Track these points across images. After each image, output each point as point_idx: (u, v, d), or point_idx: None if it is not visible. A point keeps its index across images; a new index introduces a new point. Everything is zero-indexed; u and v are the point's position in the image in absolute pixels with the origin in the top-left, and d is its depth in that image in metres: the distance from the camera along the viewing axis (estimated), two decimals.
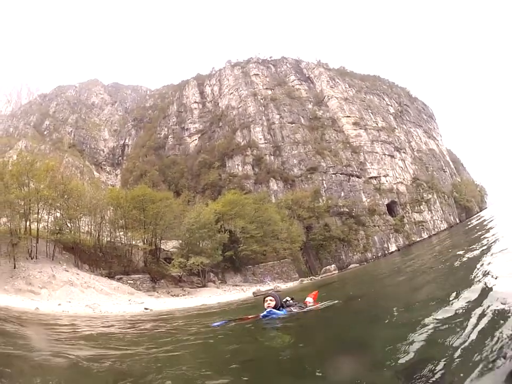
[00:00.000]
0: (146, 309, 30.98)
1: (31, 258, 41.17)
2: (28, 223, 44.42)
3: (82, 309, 29.64)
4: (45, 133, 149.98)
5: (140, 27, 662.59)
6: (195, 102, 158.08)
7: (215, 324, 10.79)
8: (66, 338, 11.99)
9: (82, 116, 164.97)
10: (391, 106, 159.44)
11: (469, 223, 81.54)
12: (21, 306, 26.67)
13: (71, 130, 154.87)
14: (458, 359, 4.12)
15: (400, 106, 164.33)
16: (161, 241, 58.06)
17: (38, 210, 45.02)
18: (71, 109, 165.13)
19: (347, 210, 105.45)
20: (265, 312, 9.37)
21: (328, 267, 67.41)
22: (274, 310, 9.35)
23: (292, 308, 9.87)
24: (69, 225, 49.21)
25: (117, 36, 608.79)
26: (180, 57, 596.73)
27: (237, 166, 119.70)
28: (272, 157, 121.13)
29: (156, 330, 15.29)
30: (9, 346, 8.32)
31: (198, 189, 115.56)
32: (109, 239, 54.05)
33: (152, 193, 58.27)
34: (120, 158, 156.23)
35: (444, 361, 4.16)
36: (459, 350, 4.34)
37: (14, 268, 37.68)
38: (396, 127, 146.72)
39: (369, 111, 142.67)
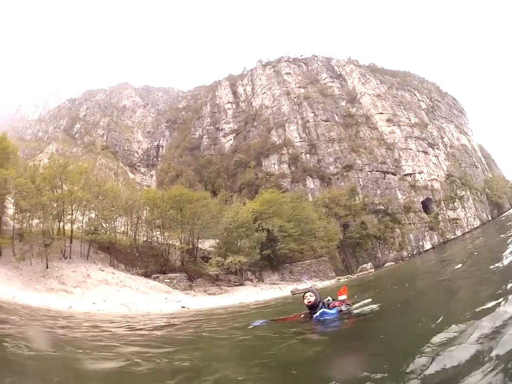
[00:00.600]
0: (183, 307, 30.91)
1: (65, 258, 41.70)
2: (61, 224, 45.02)
3: (118, 307, 29.88)
4: (76, 136, 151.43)
5: (170, 29, 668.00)
6: (228, 102, 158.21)
7: (254, 323, 10.35)
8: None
9: (114, 118, 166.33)
10: (423, 101, 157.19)
11: (502, 219, 79.84)
12: (53, 306, 26.95)
13: (103, 133, 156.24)
14: None
15: (431, 102, 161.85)
16: (199, 240, 58.08)
17: (72, 211, 45.39)
18: (102, 112, 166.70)
19: (383, 208, 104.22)
20: (317, 314, 8.74)
21: (364, 265, 66.59)
22: (327, 311, 8.80)
23: (341, 307, 9.14)
24: (104, 225, 49.51)
25: (147, 39, 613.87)
26: (211, 58, 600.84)
27: (273, 165, 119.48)
28: (308, 155, 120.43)
29: (193, 329, 15.02)
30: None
31: (235, 188, 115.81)
32: (145, 238, 54.59)
33: (189, 193, 58.47)
34: (154, 159, 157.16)
35: None
36: None
37: (47, 268, 38.17)
38: (428, 122, 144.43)
39: (402, 107, 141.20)
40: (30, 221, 43.86)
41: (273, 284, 53.96)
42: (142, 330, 15.76)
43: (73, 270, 38.89)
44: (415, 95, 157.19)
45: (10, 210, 45.29)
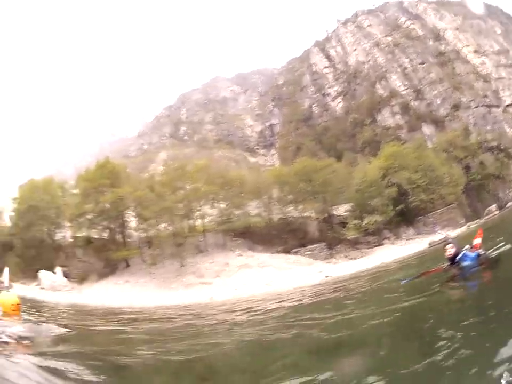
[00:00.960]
0: (326, 276, 31.85)
1: (200, 252, 43.71)
2: (191, 222, 47.47)
3: (261, 288, 31.28)
4: (185, 138, 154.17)
5: (243, 11, 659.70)
6: (325, 67, 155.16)
7: (403, 280, 10.96)
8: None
9: (218, 111, 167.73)
10: (496, 27, 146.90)
11: None
12: (193, 301, 28.92)
13: (212, 128, 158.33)
14: None
15: (503, 26, 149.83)
16: (332, 207, 57.68)
17: (200, 207, 47.43)
18: (203, 109, 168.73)
19: (495, 144, 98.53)
20: (460, 256, 8.97)
21: (489, 208, 63.93)
22: (467, 253, 9.06)
23: (479, 251, 9.21)
24: (236, 212, 51.05)
25: (227, 29, 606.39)
26: (293, 29, 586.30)
27: (386, 118, 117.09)
28: (416, 102, 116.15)
29: (340, 295, 15.84)
30: None
31: (356, 149, 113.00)
32: (280, 216, 54.86)
33: (314, 163, 58.41)
34: (271, 138, 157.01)
35: None
36: None
37: (181, 266, 40.42)
38: (509, 48, 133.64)
39: (482, 36, 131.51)
40: (157, 226, 46.42)
41: (410, 239, 53.44)
42: (291, 301, 16.82)
43: (210, 261, 41.02)
44: (487, 22, 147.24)
45: (132, 223, 48.56)
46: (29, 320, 11.40)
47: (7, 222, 58.35)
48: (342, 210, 59.11)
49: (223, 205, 50.93)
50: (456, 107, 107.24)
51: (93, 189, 47.39)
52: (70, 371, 5.85)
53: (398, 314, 8.01)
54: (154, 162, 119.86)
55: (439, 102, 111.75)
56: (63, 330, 10.08)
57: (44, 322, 12.03)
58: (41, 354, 6.58)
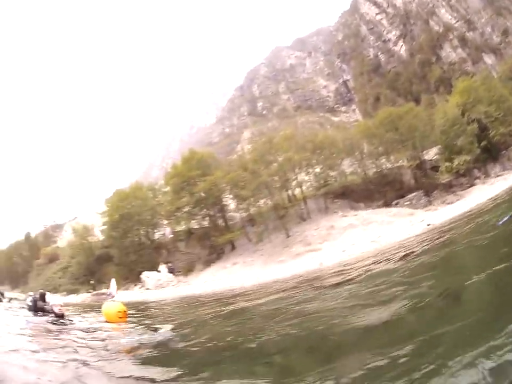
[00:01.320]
0: (428, 224, 31.42)
1: (304, 221, 43.58)
2: (290, 192, 47.93)
3: (368, 245, 31.08)
4: (264, 113, 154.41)
5: None
6: (377, 14, 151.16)
7: (499, 222, 10.59)
8: None
9: (289, 79, 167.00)
10: None
11: None
12: (303, 270, 28.94)
13: (288, 97, 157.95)
14: None
15: None
16: (422, 153, 56.28)
17: (296, 175, 47.75)
18: (274, 81, 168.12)
19: None
20: None
21: None
22: None
23: None
24: (331, 174, 51.07)
25: None
26: None
27: (449, 54, 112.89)
28: (470, 32, 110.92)
29: (444, 241, 15.63)
30: None
31: (431, 89, 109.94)
32: (374, 170, 54.31)
33: (396, 111, 57.30)
34: (348, 94, 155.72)
35: None
36: None
37: (287, 238, 40.62)
38: None
39: None
40: (256, 203, 46.72)
41: (498, 176, 51.24)
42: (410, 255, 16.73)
43: (315, 227, 40.88)
44: None
45: (231, 205, 49.98)
46: (140, 323, 12.43)
47: (99, 236, 62.06)
48: (431, 154, 57.60)
49: (317, 169, 50.62)
50: (505, 33, 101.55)
51: (184, 182, 48.70)
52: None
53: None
54: (239, 142, 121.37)
55: (488, 30, 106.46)
56: (169, 327, 10.89)
57: (155, 324, 12.38)
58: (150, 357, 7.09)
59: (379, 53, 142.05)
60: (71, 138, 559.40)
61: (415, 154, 54.11)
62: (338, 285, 14.57)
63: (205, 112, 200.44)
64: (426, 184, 50.28)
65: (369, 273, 15.84)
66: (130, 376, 5.40)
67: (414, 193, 48.09)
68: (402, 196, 48.12)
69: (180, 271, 47.15)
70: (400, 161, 53.90)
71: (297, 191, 48.63)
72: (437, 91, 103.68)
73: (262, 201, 47.22)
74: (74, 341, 8.24)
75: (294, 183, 48.11)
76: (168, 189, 54.12)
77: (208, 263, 46.03)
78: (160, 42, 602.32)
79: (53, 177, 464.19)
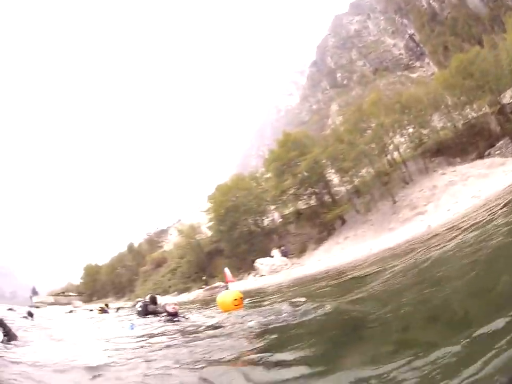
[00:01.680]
0: None
1: (407, 184, 43.49)
2: (389, 157, 47.97)
3: (469, 202, 30.82)
4: (344, 83, 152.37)
5: None
6: None
7: None
8: None
9: (359, 44, 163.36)
10: None
11: None
12: (414, 234, 29.30)
13: (363, 63, 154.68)
14: None
15: None
16: (500, 96, 52.81)
17: (391, 139, 47.59)
18: (344, 51, 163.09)
19: None
20: None
21: None
22: None
23: None
24: (424, 132, 50.25)
25: None
26: None
27: None
28: None
29: None
30: None
31: (487, 30, 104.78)
32: (462, 122, 51.91)
33: (465, 57, 54.60)
34: (417, 48, 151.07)
35: None
36: None
37: (394, 203, 40.70)
38: None
39: None
40: (359, 173, 47.42)
41: None
42: None
43: (418, 189, 40.85)
44: None
45: (335, 180, 50.38)
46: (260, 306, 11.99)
47: (207, 233, 64.95)
48: (507, 98, 56.17)
49: (410, 130, 50.07)
50: None
51: (284, 165, 50.00)
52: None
53: None
54: (329, 117, 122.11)
55: None
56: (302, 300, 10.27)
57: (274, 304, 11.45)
58: None
59: (431, 1, 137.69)
60: (157, 148, 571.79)
61: (493, 99, 51.86)
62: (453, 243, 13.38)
63: (287, 94, 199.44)
64: (510, 130, 47.91)
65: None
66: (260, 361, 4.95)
67: (501, 141, 46.27)
68: (492, 145, 46.51)
69: (292, 254, 48.51)
70: (483, 109, 51.61)
71: (395, 155, 48.57)
72: (493, 30, 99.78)
73: (363, 170, 47.50)
74: (192, 334, 8.39)
75: (391, 147, 47.98)
76: (269, 174, 55.73)
77: (320, 241, 46.92)
78: (230, 38, 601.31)
79: (149, 187, 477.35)
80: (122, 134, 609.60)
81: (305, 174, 48.43)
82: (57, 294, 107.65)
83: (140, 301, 17.92)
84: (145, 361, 5.80)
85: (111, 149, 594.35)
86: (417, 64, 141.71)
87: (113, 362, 5.85)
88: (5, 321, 8.07)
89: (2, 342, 7.52)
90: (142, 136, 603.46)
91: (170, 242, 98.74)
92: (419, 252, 15.74)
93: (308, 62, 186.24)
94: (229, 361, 5.38)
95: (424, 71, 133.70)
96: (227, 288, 13.94)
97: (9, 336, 7.94)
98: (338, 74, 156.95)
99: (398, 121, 47.34)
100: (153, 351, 6.71)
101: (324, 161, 48.57)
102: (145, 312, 15.49)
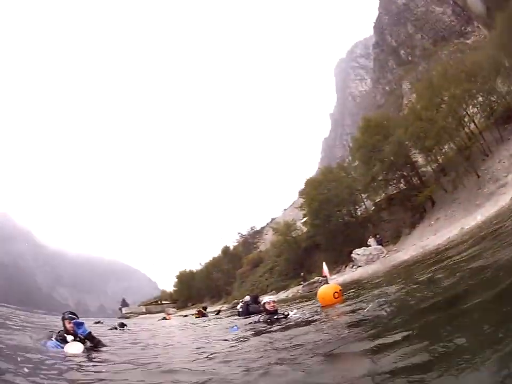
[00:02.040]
0: None
1: (486, 156, 41.84)
2: (466, 130, 46.02)
3: None
4: (409, 58, 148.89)
5: None
6: None
7: None
8: None
9: (411, 19, 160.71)
10: None
11: None
12: (500, 207, 28.60)
13: (421, 35, 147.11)
14: None
15: None
16: None
17: (465, 110, 45.58)
18: (400, 27, 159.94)
19: None
20: None
21: None
22: None
23: None
24: (492, 99, 47.61)
25: None
26: None
27: None
28: None
29: None
30: None
31: None
32: None
33: (507, 15, 48.72)
34: (464, 12, 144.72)
35: None
36: None
37: (478, 177, 39.37)
38: None
39: None
40: (442, 150, 46.85)
41: None
42: None
43: (497, 160, 39.28)
44: None
45: (420, 160, 49.48)
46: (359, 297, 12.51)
47: (302, 229, 65.67)
48: None
49: (480, 98, 47.61)
50: None
51: (370, 151, 49.63)
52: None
53: None
54: (403, 96, 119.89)
55: None
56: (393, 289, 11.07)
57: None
58: None
59: None
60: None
61: None
62: None
63: (359, 79, 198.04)
64: None
65: None
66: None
67: None
68: None
69: (387, 241, 48.50)
70: None
71: (472, 126, 46.61)
72: None
73: (445, 147, 46.70)
74: (292, 333, 8.26)
75: (466, 119, 46.14)
76: (356, 162, 55.40)
77: (413, 225, 46.54)
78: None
79: (237, 191, 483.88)
80: (209, 137, 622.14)
81: (392, 158, 47.82)
82: (150, 303, 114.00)
83: (240, 302, 19.32)
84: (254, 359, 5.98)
85: (205, 156, 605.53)
86: (469, 29, 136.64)
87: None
88: (93, 334, 8.24)
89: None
90: (229, 141, 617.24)
91: (266, 242, 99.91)
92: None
93: (368, 44, 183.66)
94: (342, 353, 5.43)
95: (477, 36, 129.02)
96: (326, 282, 13.71)
97: (97, 348, 8.09)
98: (402, 52, 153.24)
99: (467, 91, 45.45)
100: (264, 351, 6.89)
101: (406, 142, 47.70)
102: (247, 312, 16.77)
